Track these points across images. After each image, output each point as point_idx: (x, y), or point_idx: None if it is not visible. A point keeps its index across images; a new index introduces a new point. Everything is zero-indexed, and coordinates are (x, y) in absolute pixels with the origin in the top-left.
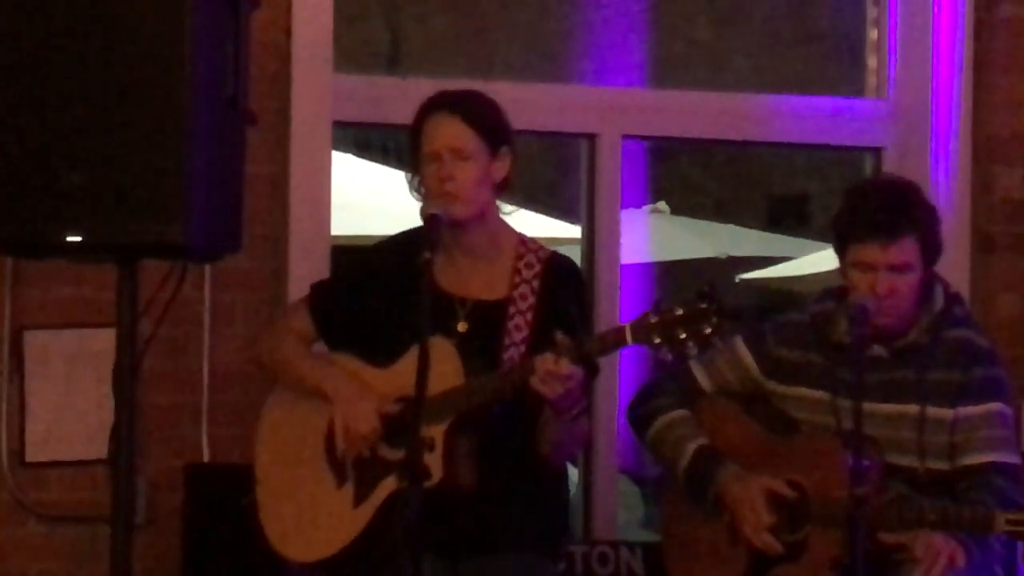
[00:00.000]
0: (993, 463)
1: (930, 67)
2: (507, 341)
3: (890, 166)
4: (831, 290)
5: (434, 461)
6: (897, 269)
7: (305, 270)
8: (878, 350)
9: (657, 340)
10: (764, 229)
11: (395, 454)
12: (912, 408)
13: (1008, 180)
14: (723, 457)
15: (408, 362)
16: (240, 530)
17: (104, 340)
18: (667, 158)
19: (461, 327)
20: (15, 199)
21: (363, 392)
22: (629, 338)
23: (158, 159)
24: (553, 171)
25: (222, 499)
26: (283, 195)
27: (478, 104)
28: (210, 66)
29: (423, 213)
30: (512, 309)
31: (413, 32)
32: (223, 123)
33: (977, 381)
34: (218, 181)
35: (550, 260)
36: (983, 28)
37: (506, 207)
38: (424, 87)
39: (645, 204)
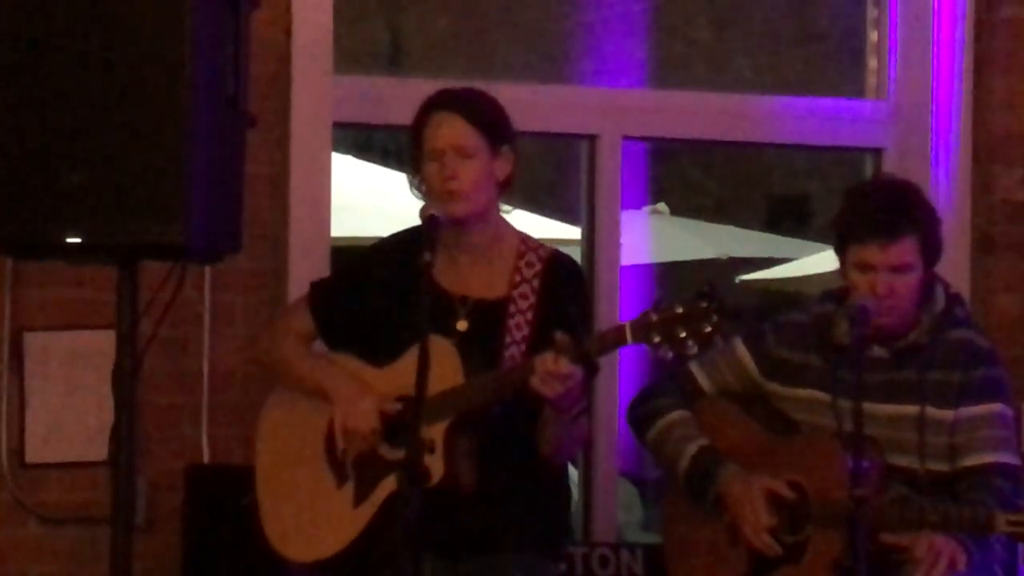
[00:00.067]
0: (993, 464)
1: (930, 68)
2: (507, 340)
3: (890, 167)
4: (831, 291)
5: (434, 461)
6: (897, 269)
7: (305, 271)
8: (878, 351)
9: (657, 339)
10: (764, 230)
11: (395, 454)
12: (912, 409)
13: (1008, 180)
14: (724, 458)
15: (408, 361)
16: (240, 531)
17: (104, 341)
18: (667, 159)
19: (461, 326)
20: (15, 200)
21: (363, 391)
22: (629, 337)
23: (158, 160)
24: (553, 172)
25: (222, 500)
26: (283, 196)
27: (480, 102)
28: (210, 66)
29: (423, 214)
30: (512, 308)
31: (413, 33)
32: (223, 123)
33: (977, 382)
34: (218, 182)
35: (551, 259)
36: (983, 29)
37: (503, 206)
38: (424, 88)
39: (645, 205)
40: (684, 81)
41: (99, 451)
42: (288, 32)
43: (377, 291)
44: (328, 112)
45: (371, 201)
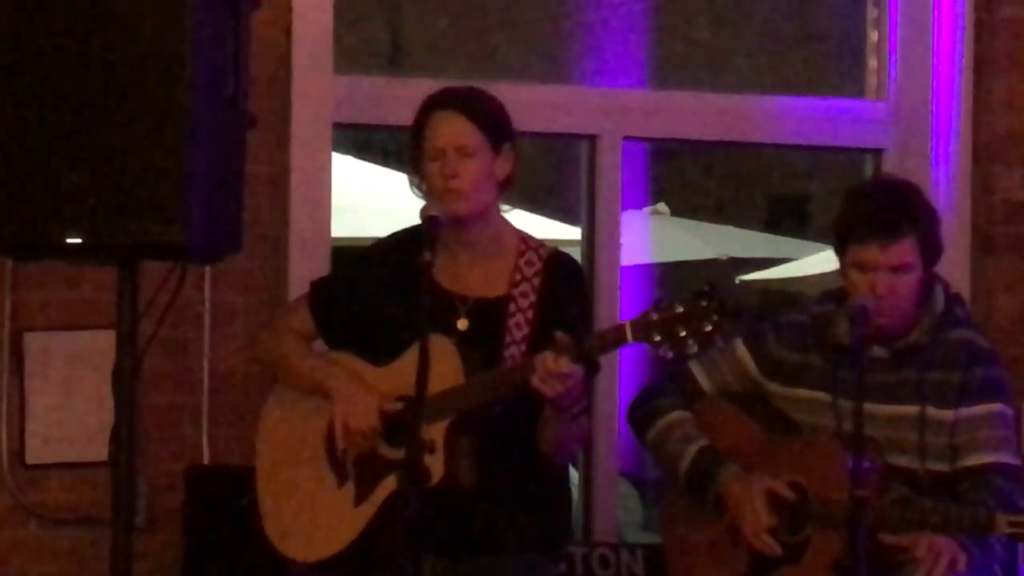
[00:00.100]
0: (994, 464)
1: (930, 68)
2: (508, 339)
3: (890, 167)
4: (831, 291)
5: (434, 461)
6: (897, 270)
7: (305, 271)
8: (878, 351)
9: (657, 338)
10: (764, 230)
11: (395, 453)
12: (912, 409)
13: (1008, 181)
14: (724, 458)
15: (408, 361)
16: (241, 531)
17: (104, 341)
18: (667, 159)
19: (462, 325)
20: (15, 200)
21: (363, 390)
22: (630, 336)
23: (158, 160)
24: (553, 172)
25: (223, 500)
26: (283, 196)
27: (481, 101)
28: (210, 67)
29: (423, 214)
30: (513, 307)
31: (413, 33)
32: (223, 124)
33: (978, 382)
34: (218, 182)
35: (551, 258)
36: (983, 29)
37: (502, 206)
38: (424, 88)
39: (645, 205)
40: (684, 81)
41: (99, 452)
42: (288, 32)
43: (377, 290)
44: (328, 112)
45: (371, 201)
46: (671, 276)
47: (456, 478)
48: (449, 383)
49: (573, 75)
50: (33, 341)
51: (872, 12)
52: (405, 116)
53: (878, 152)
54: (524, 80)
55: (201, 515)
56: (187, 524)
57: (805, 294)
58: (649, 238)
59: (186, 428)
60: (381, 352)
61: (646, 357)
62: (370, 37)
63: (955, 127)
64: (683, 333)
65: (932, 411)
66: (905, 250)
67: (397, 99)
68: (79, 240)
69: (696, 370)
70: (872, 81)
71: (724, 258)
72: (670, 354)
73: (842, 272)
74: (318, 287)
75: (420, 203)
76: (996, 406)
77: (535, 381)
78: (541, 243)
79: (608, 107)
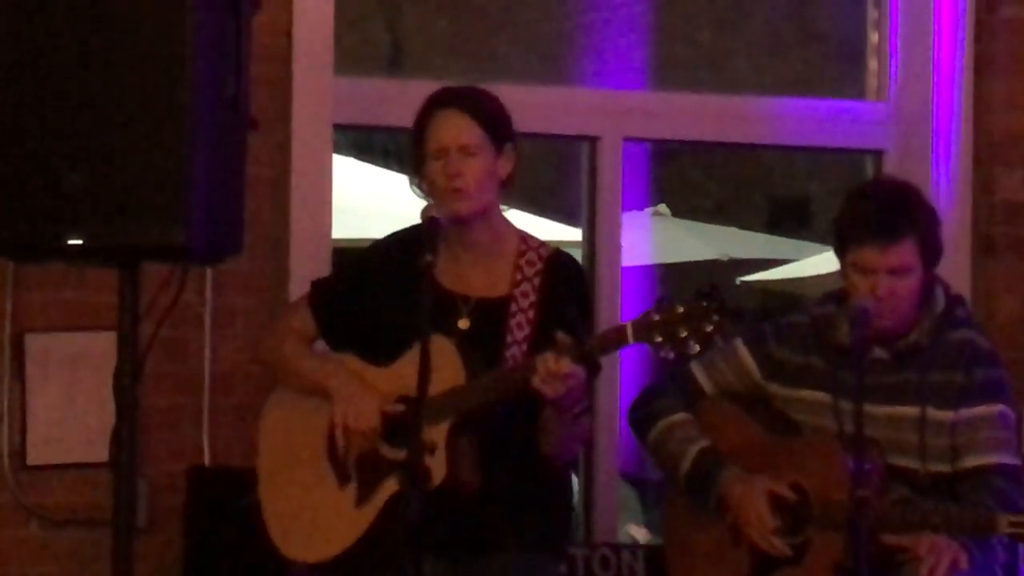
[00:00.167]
0: (994, 465)
1: (931, 69)
2: (509, 339)
3: (891, 168)
4: (832, 293)
5: (436, 462)
6: (897, 272)
7: (306, 272)
8: (879, 352)
9: (659, 338)
10: (765, 231)
11: (397, 454)
12: (913, 410)
13: (1009, 182)
14: (725, 459)
15: (409, 361)
16: (242, 532)
17: (105, 343)
18: (668, 160)
19: (463, 324)
20: (15, 202)
21: (364, 390)
22: (631, 336)
23: (159, 161)
24: (554, 173)
25: (224, 502)
26: (284, 198)
27: (483, 101)
28: (211, 68)
29: (424, 214)
30: (514, 307)
31: (414, 34)
32: (224, 125)
33: (978, 383)
34: (219, 183)
35: (552, 258)
36: (984, 30)
37: (500, 205)
38: (425, 89)
39: (646, 206)
40: (685, 82)
41: (100, 453)
42: (289, 34)
43: (378, 291)
44: (329, 114)
45: (372, 203)
46: (672, 277)
47: (457, 479)
48: (450, 384)
49: (574, 76)
50: (34, 342)
51: (872, 13)
52: (406, 117)
53: (878, 153)
54: (525, 81)
55: (202, 516)
56: (188, 525)
57: (806, 295)
58: (650, 239)
59: (187, 429)
60: (382, 353)
61: (647, 358)
62: (370, 38)
63: (955, 128)
64: (684, 334)
65: (933, 412)
66: (905, 252)
67: (397, 100)
68: (80, 241)
69: (697, 371)
70: (872, 82)
71: (725, 259)
72: (671, 355)
73: (842, 273)
74: (319, 287)
75: (421, 204)
76: (997, 407)
77: (536, 382)
78: (542, 243)
79: (609, 108)
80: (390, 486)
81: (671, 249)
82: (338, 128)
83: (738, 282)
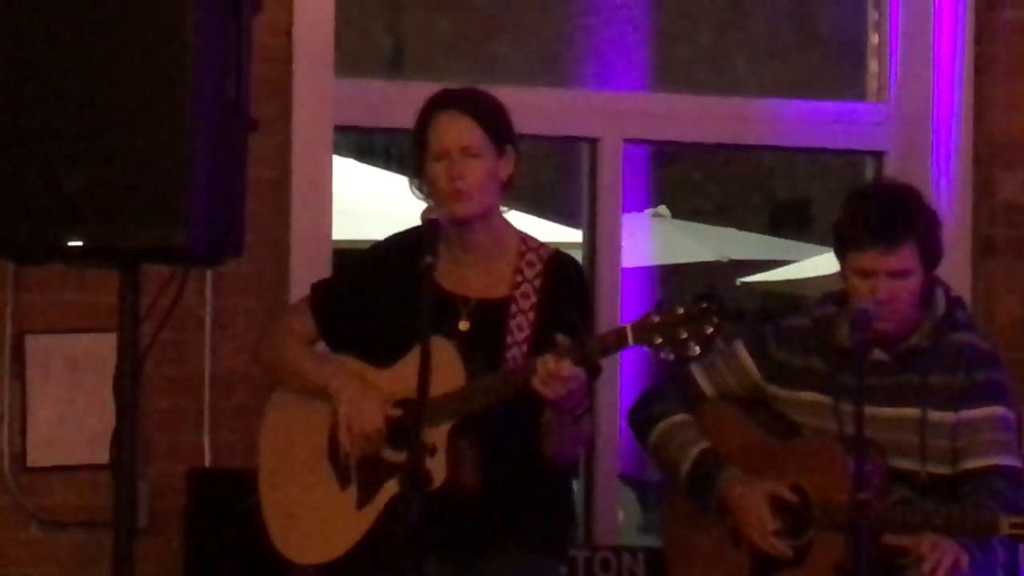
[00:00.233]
0: (995, 467)
1: (931, 71)
2: (509, 340)
3: (891, 170)
4: (832, 294)
5: (436, 464)
6: (897, 275)
7: (307, 275)
8: (879, 354)
9: (659, 340)
10: (766, 233)
11: (398, 456)
12: (914, 412)
13: (1009, 183)
14: (725, 461)
15: (409, 363)
16: (243, 534)
17: (106, 344)
18: (669, 162)
19: (463, 326)
20: (16, 203)
21: (367, 391)
22: (631, 338)
23: (160, 163)
24: (554, 175)
25: (224, 503)
26: (284, 199)
27: (484, 102)
28: (212, 70)
29: (424, 216)
30: (514, 308)
31: (414, 36)
32: (225, 127)
33: (979, 385)
34: (220, 185)
35: (552, 259)
36: (984, 31)
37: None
38: (426, 91)
39: (647, 208)
40: (685, 84)
41: (101, 454)
42: (289, 36)
43: (378, 292)
44: (329, 115)
45: (373, 204)
46: (672, 278)
47: (458, 481)
48: (451, 385)
49: (574, 78)
50: (35, 344)
51: (873, 15)
52: (406, 119)
53: (879, 155)
54: (525, 83)
55: (203, 518)
56: (188, 527)
57: (806, 296)
58: (650, 240)
59: (187, 431)
60: (383, 354)
61: (647, 360)
62: (371, 40)
63: (956, 129)
64: (684, 335)
65: (933, 414)
66: (905, 256)
67: (398, 102)
68: (81, 243)
69: (697, 373)
70: (873, 84)
71: (725, 260)
72: (671, 356)
73: (843, 276)
74: (319, 289)
75: (421, 205)
76: (997, 409)
77: (536, 383)
78: (542, 244)
79: (609, 110)
80: (391, 488)
81: (671, 250)
82: (339, 129)
83: (738, 283)
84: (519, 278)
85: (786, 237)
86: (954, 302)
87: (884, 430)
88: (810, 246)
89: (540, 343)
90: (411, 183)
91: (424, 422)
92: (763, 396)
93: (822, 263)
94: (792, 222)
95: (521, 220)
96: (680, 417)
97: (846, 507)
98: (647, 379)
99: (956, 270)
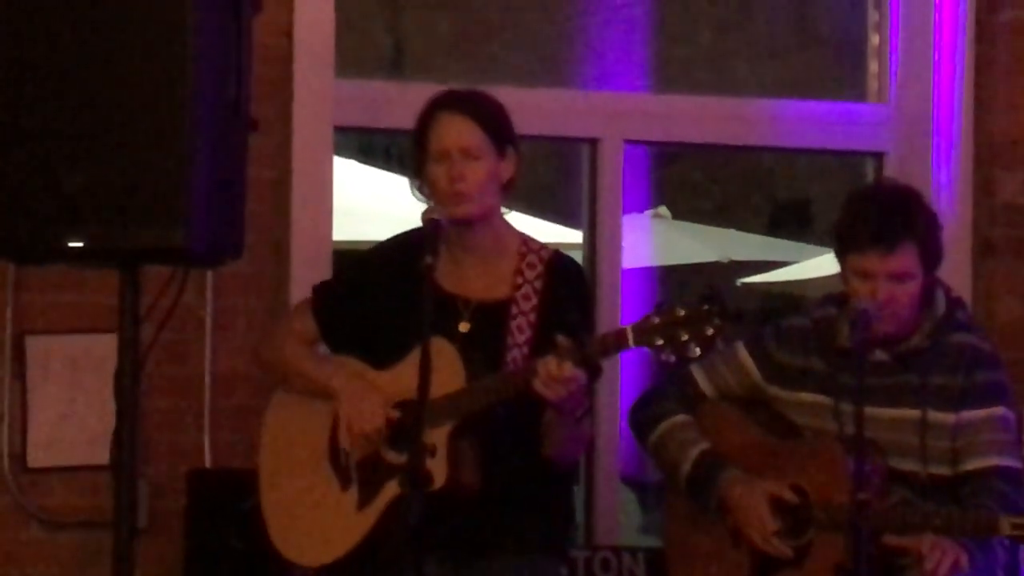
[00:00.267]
0: (995, 467)
1: (931, 71)
2: (510, 342)
3: (892, 170)
4: (833, 295)
5: (437, 465)
6: (897, 277)
7: (307, 275)
8: (880, 355)
9: (659, 342)
10: (766, 233)
11: (398, 457)
12: (914, 413)
13: (1010, 184)
14: (726, 462)
15: (410, 364)
16: (243, 535)
17: (106, 345)
18: (669, 162)
19: (464, 327)
20: (17, 204)
21: (369, 390)
22: (631, 340)
23: (160, 164)
24: (555, 175)
25: (224, 504)
26: (285, 200)
27: (485, 104)
28: (212, 70)
29: (424, 217)
30: (515, 309)
31: (415, 37)
32: (225, 128)
33: (979, 385)
34: (220, 186)
35: (552, 260)
36: (984, 32)
37: (502, 208)
38: (426, 92)
39: (647, 208)
40: (686, 85)
41: (101, 455)
42: (290, 36)
43: (379, 294)
44: (330, 116)
45: (373, 205)
46: (672, 279)
47: (458, 482)
48: (451, 387)
49: (575, 79)
50: (35, 344)
51: (873, 16)
52: (407, 119)
53: (879, 155)
54: (526, 83)
55: (203, 518)
56: (189, 527)
57: (807, 297)
58: (650, 241)
59: (188, 431)
60: (383, 355)
61: (647, 360)
62: (371, 40)
63: (956, 130)
64: (685, 337)
65: (933, 415)
66: (905, 259)
67: (399, 103)
68: (81, 244)
69: (697, 374)
70: (873, 84)
71: (725, 261)
72: (672, 358)
73: (843, 277)
74: (321, 291)
75: (421, 206)
76: (998, 410)
77: (537, 385)
78: (543, 245)
79: (609, 111)
80: (391, 489)
81: (672, 251)
82: (339, 130)
83: (739, 284)
84: (520, 279)
85: (786, 238)
86: (954, 303)
87: (884, 431)
88: (810, 247)
89: (541, 345)
90: (411, 184)
91: (424, 423)
92: (763, 397)
93: (822, 264)
94: (792, 223)
95: (521, 221)
96: (680, 418)
97: (846, 507)
98: (647, 379)
99: (956, 270)
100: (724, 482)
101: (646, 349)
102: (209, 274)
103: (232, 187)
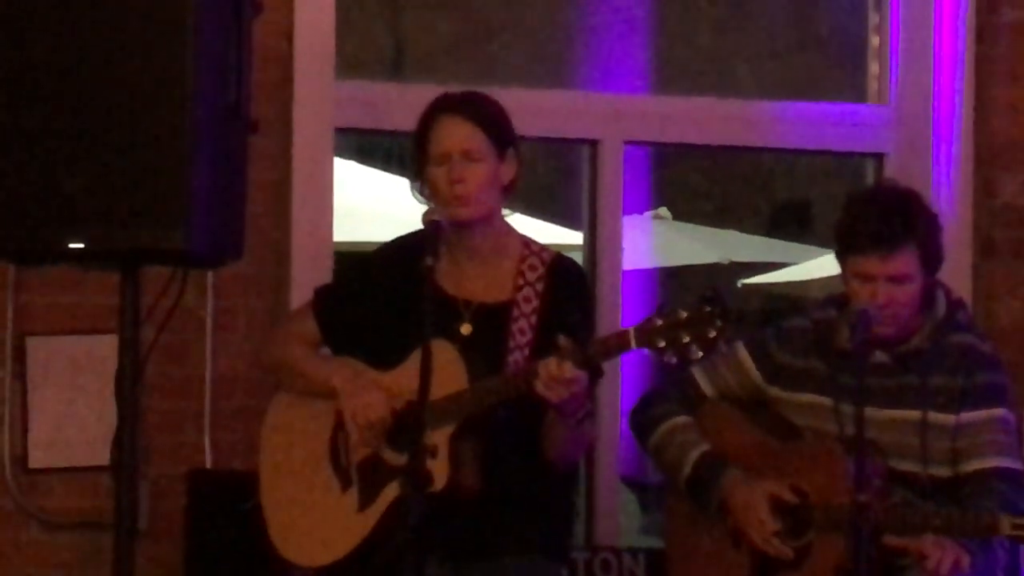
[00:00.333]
0: (996, 468)
1: (932, 72)
2: (511, 344)
3: (892, 171)
4: (833, 296)
5: (438, 467)
6: (897, 280)
7: (307, 276)
8: (880, 356)
9: (661, 344)
10: (766, 234)
11: (399, 459)
12: (914, 414)
13: (1010, 185)
14: (726, 463)
15: (411, 366)
16: (243, 536)
17: (107, 346)
18: (669, 163)
19: (465, 330)
20: (17, 205)
21: (370, 383)
22: (633, 342)
23: (160, 165)
24: (555, 177)
25: (225, 505)
26: (285, 202)
27: (485, 106)
28: (212, 72)
29: (425, 218)
30: (516, 312)
31: (415, 38)
32: (225, 129)
33: (980, 386)
34: (220, 188)
35: (554, 262)
36: (985, 33)
37: (504, 210)
38: (427, 93)
39: (647, 210)
40: (686, 86)
41: (102, 456)
42: (290, 38)
43: (381, 296)
44: (330, 117)
45: (374, 206)
46: (673, 280)
47: (459, 483)
48: (452, 388)
49: (575, 80)
50: (36, 345)
51: (874, 17)
52: (407, 121)
53: (879, 156)
54: (526, 85)
55: (203, 519)
56: (189, 528)
57: (807, 298)
58: (651, 242)
59: (188, 432)
60: (385, 357)
61: (648, 362)
62: (372, 42)
63: (957, 131)
64: (687, 339)
65: (934, 416)
66: (905, 261)
67: (399, 104)
68: (81, 245)
69: (698, 375)
70: (874, 86)
71: (726, 262)
72: (674, 360)
73: (843, 278)
74: (322, 294)
75: (422, 208)
76: (998, 411)
77: (539, 386)
78: (544, 247)
79: (610, 112)
80: (392, 490)
81: (672, 252)
82: (339, 132)
83: (739, 285)
84: (521, 282)
85: (787, 239)
86: (955, 304)
87: (884, 432)
88: (811, 248)
89: (542, 346)
90: (412, 186)
91: (426, 424)
92: (764, 398)
93: (823, 265)
94: (793, 224)
95: (521, 222)
96: (681, 419)
97: (846, 508)
98: (648, 381)
99: (957, 272)
100: (725, 483)
101: (647, 350)
102: (209, 275)
103: (232, 188)
